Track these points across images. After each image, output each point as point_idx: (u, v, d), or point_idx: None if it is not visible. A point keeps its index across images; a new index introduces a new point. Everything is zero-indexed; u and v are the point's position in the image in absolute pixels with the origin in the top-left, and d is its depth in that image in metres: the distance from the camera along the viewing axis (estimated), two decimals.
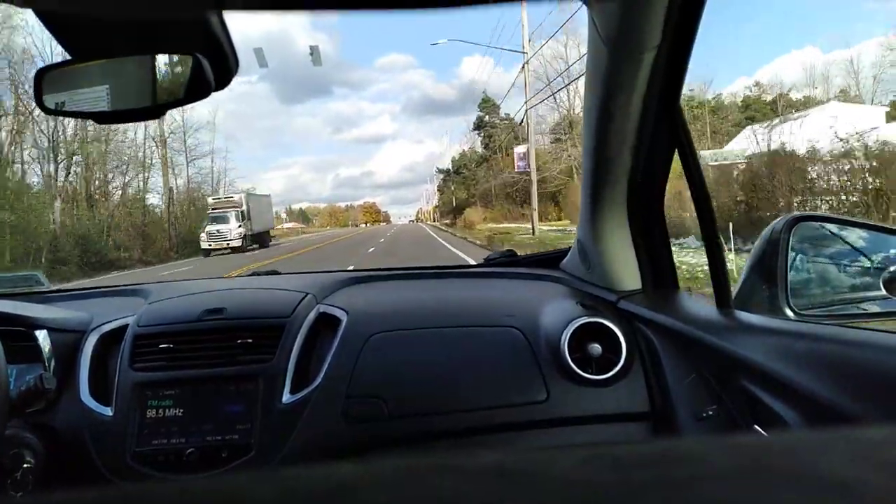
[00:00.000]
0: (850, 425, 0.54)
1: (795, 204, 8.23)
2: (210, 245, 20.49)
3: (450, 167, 49.88)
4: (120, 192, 23.96)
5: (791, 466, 0.20)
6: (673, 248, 1.15)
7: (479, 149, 41.09)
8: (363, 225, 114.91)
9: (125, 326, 1.14)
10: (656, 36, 0.81)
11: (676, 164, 0.98)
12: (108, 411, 1.04)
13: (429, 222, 67.00)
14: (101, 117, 0.62)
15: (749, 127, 15.35)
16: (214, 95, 0.60)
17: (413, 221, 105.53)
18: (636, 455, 0.22)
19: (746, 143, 12.40)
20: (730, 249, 5.86)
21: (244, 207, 21.88)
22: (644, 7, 0.77)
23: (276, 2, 0.17)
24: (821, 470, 0.19)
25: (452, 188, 47.27)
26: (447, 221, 46.75)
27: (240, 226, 20.89)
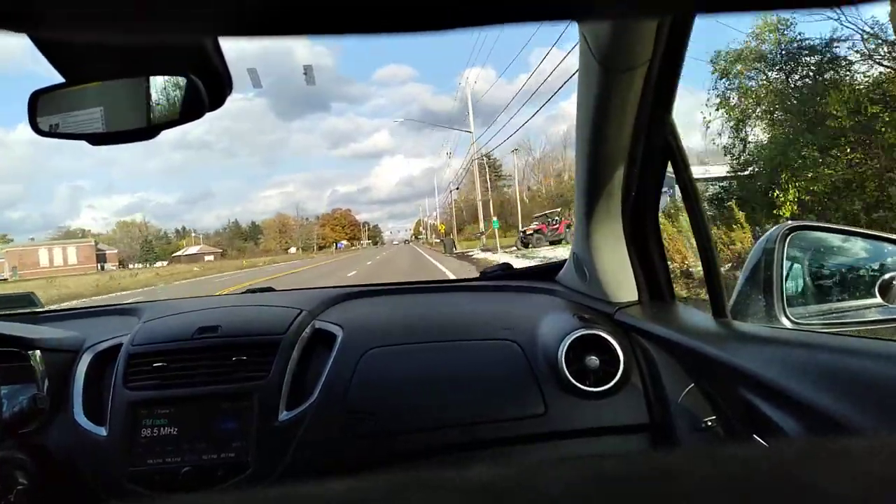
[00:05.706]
0: (847, 435, 0.54)
1: None
2: None
3: None
4: None
5: (788, 477, 0.20)
6: None
7: None
8: (340, 244, 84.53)
9: (119, 346, 1.13)
10: (647, 51, 0.81)
11: None
12: (103, 431, 1.03)
13: (463, 245, 30.72)
14: (96, 139, 0.62)
15: None
16: (209, 113, 0.61)
17: (408, 242, 79.02)
18: (630, 468, 0.21)
19: None
20: None
21: None
22: (635, 23, 0.78)
23: (272, 28, 0.17)
24: (818, 481, 0.19)
25: None
26: None
27: None
